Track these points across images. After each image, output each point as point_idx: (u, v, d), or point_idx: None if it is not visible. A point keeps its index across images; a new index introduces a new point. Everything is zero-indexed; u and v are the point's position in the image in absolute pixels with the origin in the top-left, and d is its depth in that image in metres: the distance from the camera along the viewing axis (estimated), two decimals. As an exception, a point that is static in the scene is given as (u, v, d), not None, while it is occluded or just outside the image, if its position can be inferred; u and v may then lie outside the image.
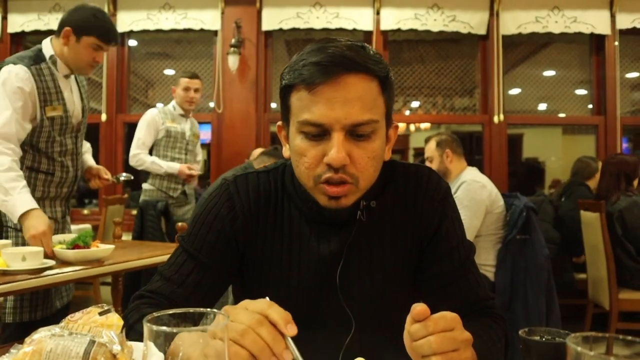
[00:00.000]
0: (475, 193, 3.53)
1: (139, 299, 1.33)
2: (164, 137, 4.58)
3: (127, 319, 1.24)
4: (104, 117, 6.02)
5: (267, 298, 1.02)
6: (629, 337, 0.72)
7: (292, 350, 0.97)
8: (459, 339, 1.03)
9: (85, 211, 6.22)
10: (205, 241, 1.37)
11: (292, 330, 0.97)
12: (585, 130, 6.86)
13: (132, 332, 1.17)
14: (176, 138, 4.63)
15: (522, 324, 3.51)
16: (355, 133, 1.22)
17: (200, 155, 5.01)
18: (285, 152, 1.40)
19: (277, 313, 0.98)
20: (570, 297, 4.64)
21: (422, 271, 1.43)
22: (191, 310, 0.83)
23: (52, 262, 2.47)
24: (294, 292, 1.38)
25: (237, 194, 1.40)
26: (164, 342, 0.79)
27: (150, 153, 4.61)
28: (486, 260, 3.62)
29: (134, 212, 4.95)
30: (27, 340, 0.91)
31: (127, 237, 4.47)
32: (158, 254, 2.87)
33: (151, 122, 4.55)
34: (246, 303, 1.01)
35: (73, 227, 3.57)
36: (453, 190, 2.89)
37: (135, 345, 1.02)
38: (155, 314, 0.80)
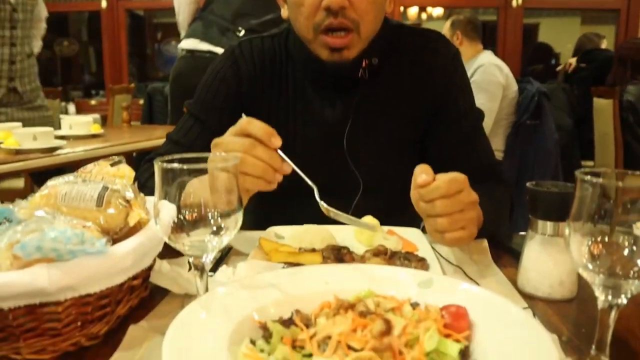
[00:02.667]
0: (492, 75, 3.49)
1: (148, 162, 1.35)
2: None
3: (139, 179, 1.26)
4: (104, 3, 5.81)
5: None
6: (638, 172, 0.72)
7: (288, 161, 1.01)
8: (465, 200, 1.04)
9: (93, 102, 6.20)
10: (211, 105, 1.37)
11: (276, 142, 1.00)
12: (605, 20, 6.55)
13: (144, 189, 1.20)
14: None
15: (527, 210, 3.58)
16: None
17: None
18: (284, 12, 1.36)
19: (258, 129, 0.99)
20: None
21: (431, 136, 1.42)
22: (201, 155, 0.83)
23: (63, 142, 2.49)
24: (300, 157, 1.39)
25: (242, 57, 1.38)
26: (176, 189, 0.79)
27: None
28: (495, 146, 3.62)
29: (142, 101, 4.93)
30: (41, 189, 0.93)
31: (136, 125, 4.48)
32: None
33: None
34: (227, 132, 1.03)
35: (81, 117, 3.56)
36: (469, 74, 2.83)
37: (148, 199, 1.04)
38: (166, 157, 0.80)
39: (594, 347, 0.72)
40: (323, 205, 1.01)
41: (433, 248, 1.18)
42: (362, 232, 1.20)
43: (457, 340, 0.70)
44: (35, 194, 0.89)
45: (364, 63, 1.31)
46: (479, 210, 1.12)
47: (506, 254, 1.22)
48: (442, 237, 1.03)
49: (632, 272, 0.66)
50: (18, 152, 2.37)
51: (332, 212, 1.01)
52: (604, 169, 0.71)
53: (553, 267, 0.99)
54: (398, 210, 1.30)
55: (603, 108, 4.10)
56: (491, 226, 1.22)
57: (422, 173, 1.01)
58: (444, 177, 1.01)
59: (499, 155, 3.65)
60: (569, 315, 0.95)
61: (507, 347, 0.68)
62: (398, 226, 1.29)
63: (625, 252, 0.66)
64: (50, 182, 0.91)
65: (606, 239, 0.67)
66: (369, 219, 1.21)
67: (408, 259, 1.06)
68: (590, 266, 0.68)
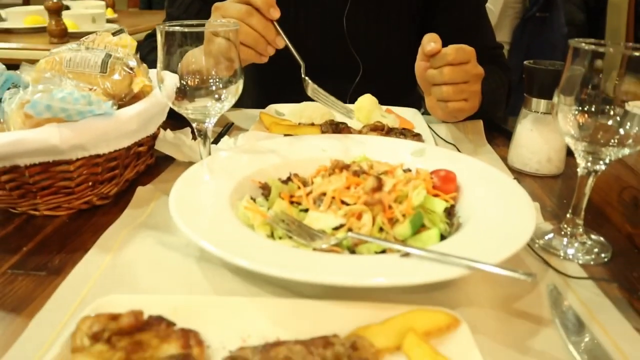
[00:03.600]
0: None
1: (149, 37, 1.34)
2: None
3: (141, 52, 1.26)
4: None
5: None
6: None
7: (282, 35, 1.02)
8: (471, 72, 1.06)
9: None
10: None
11: (275, 13, 1.00)
12: None
13: (146, 62, 1.21)
14: None
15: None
16: None
17: None
18: None
19: None
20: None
21: (435, 16, 1.40)
22: (202, 22, 0.83)
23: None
24: (301, 40, 1.39)
25: None
26: (178, 57, 0.81)
27: None
28: (502, 38, 3.53)
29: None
30: (46, 55, 0.94)
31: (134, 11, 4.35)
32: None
33: None
34: None
35: (92, 1, 3.46)
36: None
37: (150, 70, 1.05)
38: (167, 24, 0.81)
39: (570, 211, 0.78)
40: (306, 80, 1.03)
41: (430, 127, 1.21)
42: (361, 110, 1.22)
43: (445, 200, 0.75)
44: (40, 60, 0.91)
45: None
46: (480, 86, 1.14)
47: (500, 135, 1.25)
48: (445, 106, 1.06)
49: (612, 140, 0.69)
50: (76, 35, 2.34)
51: (314, 91, 1.03)
52: (595, 40, 0.72)
53: (543, 144, 1.02)
54: (397, 93, 1.32)
55: (619, 3, 3.95)
56: (489, 107, 1.24)
57: (430, 41, 1.02)
58: (452, 46, 1.03)
59: (504, 49, 3.57)
60: (553, 189, 1.00)
61: (490, 209, 0.73)
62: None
63: (610, 121, 0.69)
64: (54, 49, 0.93)
65: (593, 108, 0.70)
66: (367, 97, 1.23)
67: (404, 134, 1.09)
68: (574, 133, 0.71)
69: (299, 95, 1.25)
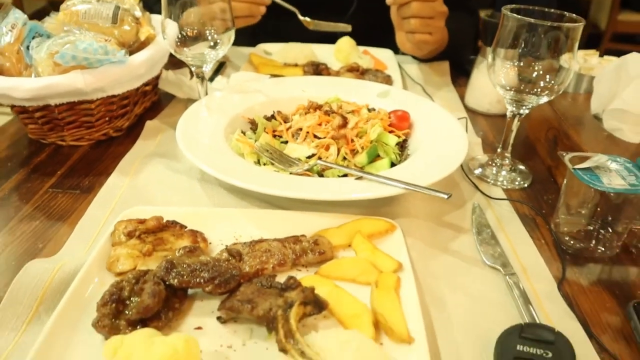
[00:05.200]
0: None
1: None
2: None
3: (148, 1, 1.38)
4: None
5: None
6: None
7: None
8: (437, 9, 1.21)
9: None
10: None
11: None
12: None
13: (152, 12, 1.33)
14: None
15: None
16: None
17: None
18: None
19: None
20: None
21: None
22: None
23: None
24: None
25: None
26: (179, 8, 0.95)
27: None
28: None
29: None
30: (62, 7, 1.07)
31: None
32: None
33: None
34: None
35: None
36: None
37: (153, 16, 1.19)
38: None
39: (500, 145, 0.96)
40: (306, 19, 1.19)
41: (400, 67, 1.37)
42: (340, 51, 1.37)
43: (398, 136, 0.93)
44: (57, 12, 1.05)
45: None
46: (445, 30, 1.29)
47: (463, 76, 1.41)
48: (412, 37, 1.21)
49: (533, 90, 0.86)
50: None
51: (314, 23, 1.21)
52: (524, 6, 0.87)
53: (493, 87, 1.19)
54: (386, 28, 1.44)
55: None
56: (455, 47, 1.39)
57: None
58: None
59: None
60: (499, 127, 1.17)
61: (435, 142, 0.91)
62: (388, 46, 1.46)
63: (534, 74, 0.86)
64: (69, 2, 1.06)
65: (518, 64, 0.86)
66: (346, 40, 1.38)
67: (376, 75, 1.25)
68: (504, 84, 0.88)
69: (285, 32, 1.39)
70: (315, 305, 0.58)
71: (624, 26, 4.31)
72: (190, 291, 0.63)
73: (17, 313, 0.61)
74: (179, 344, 0.51)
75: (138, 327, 0.57)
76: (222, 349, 0.57)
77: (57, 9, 1.06)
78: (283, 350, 0.52)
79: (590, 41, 4.51)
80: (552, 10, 0.87)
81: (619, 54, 1.05)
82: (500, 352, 0.57)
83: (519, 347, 0.57)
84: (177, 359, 0.49)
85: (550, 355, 0.56)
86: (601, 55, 1.19)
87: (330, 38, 1.50)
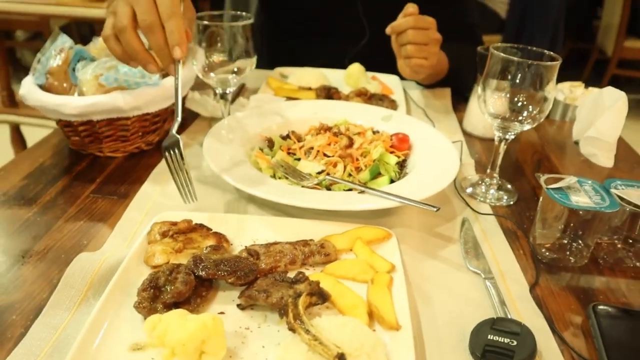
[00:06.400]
0: None
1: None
2: None
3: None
4: None
5: None
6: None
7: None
8: (431, 36, 1.33)
9: None
10: None
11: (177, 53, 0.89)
12: None
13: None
14: None
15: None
16: None
17: None
18: None
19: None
20: (580, 41, 4.82)
21: None
22: (219, 12, 1.10)
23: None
24: (310, 3, 1.61)
25: None
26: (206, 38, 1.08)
27: None
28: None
29: None
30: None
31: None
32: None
33: None
34: None
35: None
36: None
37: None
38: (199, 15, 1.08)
39: (490, 166, 1.07)
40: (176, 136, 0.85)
41: (405, 92, 1.49)
42: (350, 76, 1.50)
43: (398, 156, 1.05)
44: (98, 38, 1.19)
45: None
46: (442, 54, 1.41)
47: (462, 102, 1.52)
48: (409, 62, 1.33)
49: (518, 118, 0.98)
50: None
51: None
52: (511, 45, 0.99)
53: (489, 113, 1.31)
54: (389, 61, 1.56)
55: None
56: (454, 76, 1.51)
57: (409, 8, 1.30)
58: (418, 16, 1.31)
59: (503, 6, 3.75)
60: (492, 150, 1.28)
61: (431, 162, 1.03)
62: (396, 73, 1.57)
63: (518, 105, 0.97)
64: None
65: (508, 95, 0.97)
66: (356, 66, 1.51)
67: (382, 99, 1.37)
68: (492, 112, 1.00)
69: (301, 55, 1.50)
70: (320, 296, 0.69)
71: (630, 53, 4.41)
72: (214, 282, 0.75)
73: (70, 295, 0.73)
74: (208, 320, 0.62)
75: (172, 309, 0.68)
76: (241, 329, 0.68)
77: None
78: (292, 329, 0.64)
79: (597, 67, 4.62)
80: (535, 48, 0.99)
81: (624, 80, 1.17)
82: (474, 341, 0.68)
83: (490, 337, 0.68)
84: (206, 332, 0.61)
85: (515, 343, 0.67)
86: (602, 83, 1.30)
87: (341, 61, 1.63)
